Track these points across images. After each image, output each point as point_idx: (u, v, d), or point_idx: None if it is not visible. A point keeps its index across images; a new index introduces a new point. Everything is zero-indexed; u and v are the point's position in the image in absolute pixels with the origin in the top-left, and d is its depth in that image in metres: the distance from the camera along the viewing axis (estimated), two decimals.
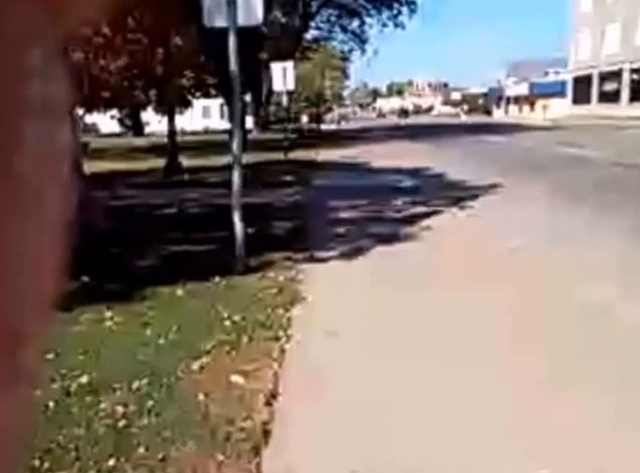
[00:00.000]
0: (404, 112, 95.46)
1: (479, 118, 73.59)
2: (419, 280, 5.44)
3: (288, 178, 13.06)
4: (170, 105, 15.46)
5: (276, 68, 15.86)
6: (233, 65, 5.36)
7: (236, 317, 4.33)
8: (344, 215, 8.84)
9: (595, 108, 48.40)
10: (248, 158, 19.68)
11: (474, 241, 7.04)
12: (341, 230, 7.78)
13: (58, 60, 0.25)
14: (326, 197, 10.62)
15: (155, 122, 63.32)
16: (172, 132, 15.15)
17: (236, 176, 5.62)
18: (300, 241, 6.99)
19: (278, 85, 16.01)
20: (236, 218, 5.58)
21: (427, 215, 8.74)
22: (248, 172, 15.03)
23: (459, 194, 10.92)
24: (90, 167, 17.59)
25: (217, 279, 5.26)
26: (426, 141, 27.95)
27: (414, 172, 14.43)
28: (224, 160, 19.61)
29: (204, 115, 63.40)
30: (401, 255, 6.40)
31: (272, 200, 10.24)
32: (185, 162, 18.48)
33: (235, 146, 5.63)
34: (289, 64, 15.92)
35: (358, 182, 12.76)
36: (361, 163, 17.35)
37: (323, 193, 11.19)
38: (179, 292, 4.90)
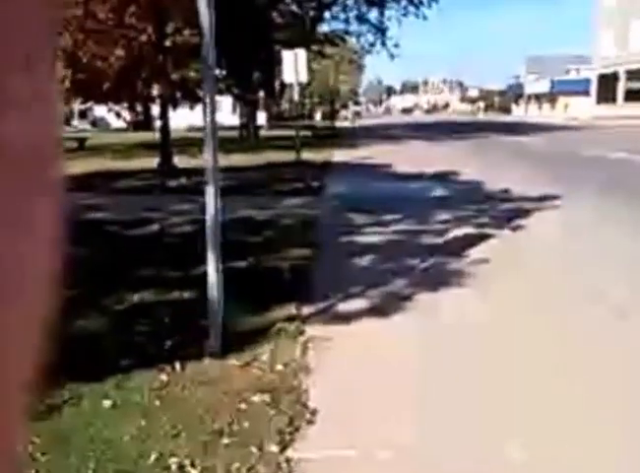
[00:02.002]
0: (407, 110, 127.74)
1: (497, 117, 71.30)
2: (494, 365, 3.49)
3: (300, 185, 11.10)
4: (163, 98, 13.40)
5: (287, 56, 13.85)
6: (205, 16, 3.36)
7: (193, 470, 2.39)
8: (368, 238, 6.87)
9: (621, 108, 46.04)
10: (257, 158, 17.83)
11: (546, 286, 5.08)
12: (366, 262, 5.82)
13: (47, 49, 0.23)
14: (344, 211, 8.65)
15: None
16: (165, 129, 13.14)
17: (211, 203, 3.66)
18: (311, 283, 5.04)
19: (289, 76, 14.03)
20: (211, 268, 3.60)
21: (476, 239, 6.76)
22: (254, 177, 13.22)
23: (505, 208, 8.95)
24: (79, 166, 15.83)
25: (177, 366, 3.31)
26: (448, 141, 25.96)
27: (443, 178, 12.46)
28: (228, 160, 17.76)
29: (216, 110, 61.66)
30: (456, 311, 4.43)
31: (277, 215, 8.29)
32: (185, 161, 16.59)
33: (209, 155, 3.66)
34: (302, 52, 13.91)
35: (382, 191, 10.78)
36: (382, 165, 15.35)
37: (340, 205, 9.21)
38: (107, 402, 2.94)
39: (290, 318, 4.12)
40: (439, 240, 6.78)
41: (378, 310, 4.40)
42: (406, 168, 14.45)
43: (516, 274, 5.36)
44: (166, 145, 13.07)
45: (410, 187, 11.25)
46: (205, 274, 4.97)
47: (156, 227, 7.39)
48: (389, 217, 8.08)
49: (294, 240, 6.48)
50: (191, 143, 25.98)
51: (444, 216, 8.19)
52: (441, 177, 12.56)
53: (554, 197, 9.54)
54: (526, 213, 8.48)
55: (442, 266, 5.63)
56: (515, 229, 7.52)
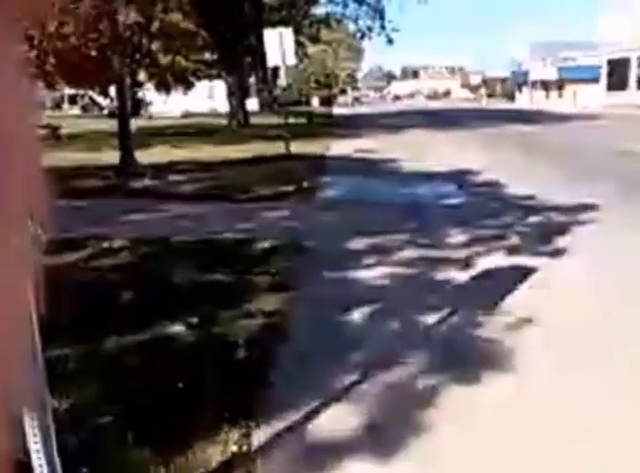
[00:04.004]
0: (397, 97, 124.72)
1: (501, 105, 69.07)
2: None
3: (285, 188, 9.32)
4: (119, 81, 11.35)
5: (270, 36, 11.93)
6: None
7: None
8: (367, 273, 5.11)
9: (633, 96, 44.06)
10: (243, 150, 15.94)
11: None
12: (362, 322, 4.05)
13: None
14: (337, 227, 6.90)
15: (159, 102, 59.47)
16: (123, 118, 11.08)
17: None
18: (276, 372, 3.29)
19: (273, 58, 12.15)
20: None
21: (511, 276, 5.00)
22: (236, 176, 11.37)
23: (536, 221, 7.23)
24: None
25: None
26: (454, 131, 24.13)
27: (456, 178, 10.69)
28: (211, 153, 15.96)
29: (209, 96, 59.60)
30: (506, 444, 2.70)
31: (254, 232, 6.52)
32: (162, 154, 14.80)
33: None
34: (288, 31, 11.99)
35: (385, 196, 9.03)
36: (384, 161, 13.57)
37: (333, 218, 7.47)
38: None
39: (226, 465, 2.37)
40: (462, 278, 5.03)
41: (377, 447, 2.65)
42: (411, 164, 12.70)
43: (582, 351, 3.60)
44: (126, 137, 11.05)
45: (418, 191, 9.49)
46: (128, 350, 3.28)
47: (85, 253, 5.57)
48: (395, 237, 6.32)
49: (267, 279, 4.73)
50: (178, 132, 24.21)
51: (464, 235, 6.43)
52: (453, 178, 10.79)
53: (592, 206, 7.83)
54: (564, 229, 6.75)
55: (471, 332, 3.88)
56: (557, 255, 5.77)
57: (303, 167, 11.96)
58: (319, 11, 36.26)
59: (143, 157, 13.17)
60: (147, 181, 9.67)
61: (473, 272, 5.15)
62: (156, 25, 25.39)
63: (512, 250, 5.88)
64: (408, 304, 4.33)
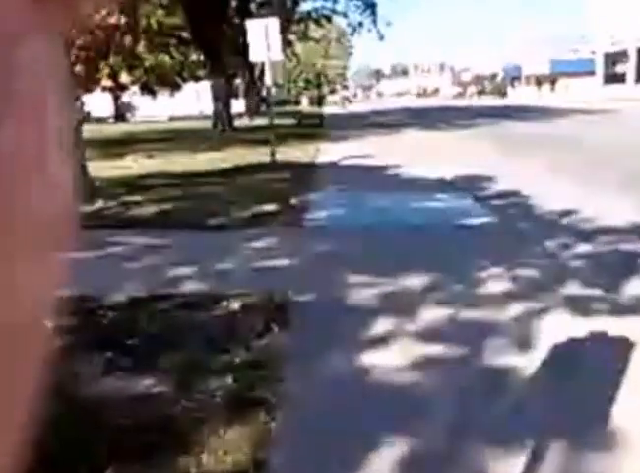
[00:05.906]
0: (379, 94, 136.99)
1: (491, 101, 67.49)
2: None
3: (267, 208, 7.64)
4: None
5: (253, 27, 10.24)
6: None
7: None
8: (380, 357, 3.45)
9: (632, 89, 42.60)
10: (224, 158, 14.14)
11: None
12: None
13: (52, 55, 0.22)
14: (334, 266, 5.23)
15: (147, 106, 57.58)
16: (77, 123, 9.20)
17: None
18: None
19: (257, 53, 10.48)
20: None
21: (600, 357, 3.39)
22: (210, 192, 9.56)
23: (589, 251, 5.62)
24: None
25: None
26: (453, 130, 22.56)
27: (468, 187, 9.09)
28: (188, 161, 14.25)
29: (197, 98, 57.97)
30: None
31: (215, 281, 4.85)
32: (132, 166, 13.13)
33: None
34: (273, 21, 10.32)
35: (389, 216, 7.36)
36: (381, 167, 11.90)
37: (327, 250, 5.80)
38: None
39: None
40: (525, 365, 3.35)
41: None
42: (411, 170, 11.07)
43: None
44: (75, 147, 9.21)
45: (426, 207, 7.84)
46: None
47: None
48: (411, 283, 4.66)
49: (229, 382, 3.05)
50: (158, 138, 22.49)
51: (499, 281, 4.74)
52: (465, 187, 9.18)
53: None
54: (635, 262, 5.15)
55: None
56: None
57: (290, 178, 10.30)
58: (308, 6, 34.89)
59: (107, 170, 11.51)
60: (100, 203, 7.95)
61: (537, 353, 3.49)
62: (141, 23, 23.72)
63: (577, 302, 4.24)
64: (455, 431, 2.66)
